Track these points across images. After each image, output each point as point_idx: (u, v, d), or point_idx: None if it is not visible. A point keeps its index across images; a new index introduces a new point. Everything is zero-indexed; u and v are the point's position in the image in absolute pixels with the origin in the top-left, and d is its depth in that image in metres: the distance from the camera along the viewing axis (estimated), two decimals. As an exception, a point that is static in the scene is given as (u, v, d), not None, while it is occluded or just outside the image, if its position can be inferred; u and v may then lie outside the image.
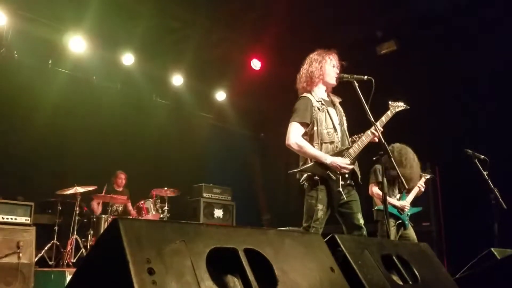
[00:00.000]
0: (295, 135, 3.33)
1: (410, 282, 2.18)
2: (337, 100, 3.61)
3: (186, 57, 8.07)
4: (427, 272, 2.32)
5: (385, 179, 3.43)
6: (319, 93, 3.50)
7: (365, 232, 3.30)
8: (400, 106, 3.62)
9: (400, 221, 4.55)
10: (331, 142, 3.34)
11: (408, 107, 3.67)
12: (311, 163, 3.27)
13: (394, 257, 2.24)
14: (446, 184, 6.56)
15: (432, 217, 6.50)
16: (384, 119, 3.51)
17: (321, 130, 3.34)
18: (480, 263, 3.14)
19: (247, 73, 8.32)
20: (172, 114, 8.95)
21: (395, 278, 2.14)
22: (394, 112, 3.56)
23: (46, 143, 7.12)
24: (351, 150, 3.32)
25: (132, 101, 8.39)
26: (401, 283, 2.14)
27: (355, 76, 3.37)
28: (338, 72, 3.52)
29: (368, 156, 3.63)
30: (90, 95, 7.78)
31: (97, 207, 6.97)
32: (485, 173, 4.71)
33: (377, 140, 3.37)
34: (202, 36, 7.55)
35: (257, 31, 7.24)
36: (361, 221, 3.31)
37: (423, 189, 4.82)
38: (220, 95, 9.43)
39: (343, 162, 3.24)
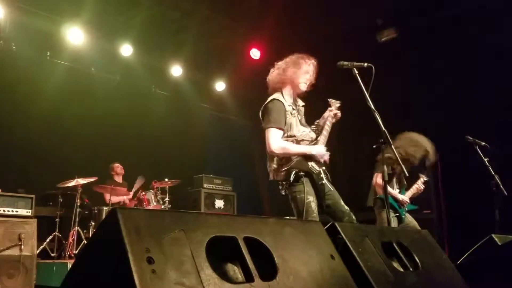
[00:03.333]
0: (275, 140, 3.29)
1: (411, 269, 2.18)
2: (301, 103, 3.62)
3: (185, 48, 8.01)
4: (428, 258, 2.32)
5: (385, 167, 3.39)
6: (289, 95, 3.50)
7: (353, 216, 3.32)
8: (337, 102, 3.60)
9: (398, 214, 4.55)
10: (308, 140, 3.39)
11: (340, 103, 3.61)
12: (296, 160, 3.26)
13: (394, 244, 2.24)
14: (447, 171, 6.56)
15: (433, 205, 6.51)
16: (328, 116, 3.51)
17: (295, 133, 3.36)
18: (481, 250, 3.14)
19: (247, 63, 8.26)
20: (171, 105, 8.92)
21: (395, 265, 2.14)
22: (336, 107, 3.55)
23: (46, 136, 7.10)
24: (319, 142, 3.38)
25: (131, 92, 8.35)
26: (401, 270, 2.14)
27: (355, 63, 3.35)
28: (310, 82, 3.51)
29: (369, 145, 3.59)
30: (89, 86, 7.74)
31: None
32: (485, 159, 4.69)
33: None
34: (201, 26, 7.49)
35: (256, 20, 7.18)
36: (346, 207, 3.35)
37: (422, 189, 4.76)
38: (220, 85, 9.38)
39: (323, 149, 3.32)
